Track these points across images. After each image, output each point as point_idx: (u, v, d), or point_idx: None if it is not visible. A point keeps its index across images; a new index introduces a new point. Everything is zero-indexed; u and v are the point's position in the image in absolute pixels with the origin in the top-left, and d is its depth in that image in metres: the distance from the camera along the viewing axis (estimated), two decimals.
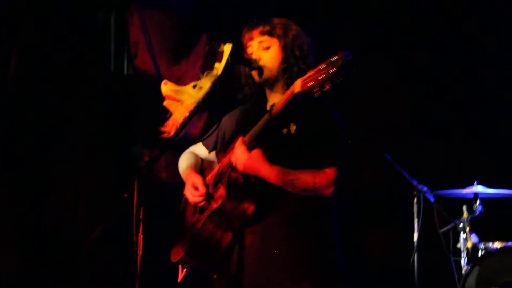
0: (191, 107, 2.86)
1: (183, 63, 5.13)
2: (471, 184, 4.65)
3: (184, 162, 3.23)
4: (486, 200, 4.66)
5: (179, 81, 4.71)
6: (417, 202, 4.57)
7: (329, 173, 2.86)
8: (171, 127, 2.89)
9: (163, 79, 2.99)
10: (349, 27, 5.27)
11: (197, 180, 3.01)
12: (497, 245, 4.43)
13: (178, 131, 2.80)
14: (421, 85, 5.35)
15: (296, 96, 2.66)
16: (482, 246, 4.49)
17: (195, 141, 3.32)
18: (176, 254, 3.05)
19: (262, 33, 3.02)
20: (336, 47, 2.60)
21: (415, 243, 4.56)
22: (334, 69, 2.53)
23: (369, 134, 5.02)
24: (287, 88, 2.76)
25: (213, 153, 3.17)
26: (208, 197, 2.96)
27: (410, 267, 4.53)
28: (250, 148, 2.84)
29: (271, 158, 2.84)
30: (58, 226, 4.81)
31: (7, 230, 4.68)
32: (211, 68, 2.89)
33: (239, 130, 3.02)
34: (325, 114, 2.93)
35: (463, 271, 4.45)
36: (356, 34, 5.27)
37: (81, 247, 4.68)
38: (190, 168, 3.16)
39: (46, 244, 4.74)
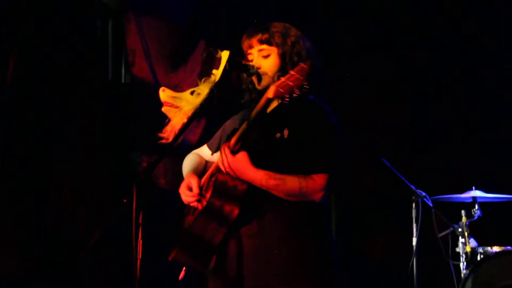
0: (189, 113, 2.86)
1: (180, 70, 5.12)
2: (470, 189, 4.68)
3: (188, 164, 3.24)
4: (485, 205, 4.68)
5: (177, 87, 4.73)
6: (415, 207, 4.57)
7: (318, 179, 2.84)
8: (169, 133, 2.90)
9: (160, 86, 2.99)
10: (349, 27, 5.26)
11: (193, 180, 3.01)
12: (495, 249, 4.44)
13: (176, 137, 2.80)
14: (421, 85, 5.35)
15: (269, 101, 2.76)
16: (480, 250, 4.51)
17: (193, 148, 3.32)
18: (172, 253, 3.07)
19: (261, 42, 3.02)
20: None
21: (414, 248, 4.56)
22: (301, 77, 2.67)
23: (369, 137, 5.02)
24: None
25: (216, 155, 3.18)
26: (200, 198, 2.97)
27: (409, 272, 4.53)
28: (234, 151, 2.84)
29: (262, 162, 2.84)
30: (58, 226, 4.81)
31: (7, 230, 4.67)
32: (208, 74, 2.90)
33: (233, 133, 3.03)
34: (319, 119, 2.93)
35: (462, 275, 4.46)
36: (356, 34, 5.27)
37: (80, 249, 4.68)
38: (193, 171, 3.16)
39: (46, 244, 4.74)
